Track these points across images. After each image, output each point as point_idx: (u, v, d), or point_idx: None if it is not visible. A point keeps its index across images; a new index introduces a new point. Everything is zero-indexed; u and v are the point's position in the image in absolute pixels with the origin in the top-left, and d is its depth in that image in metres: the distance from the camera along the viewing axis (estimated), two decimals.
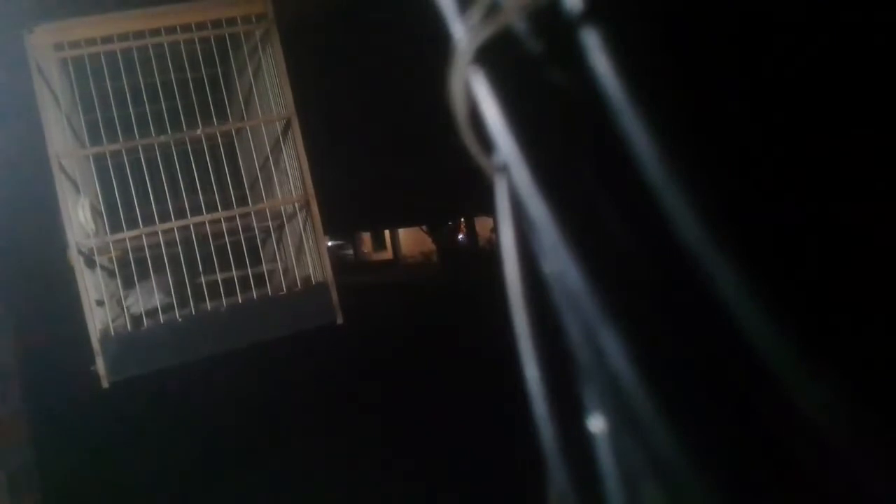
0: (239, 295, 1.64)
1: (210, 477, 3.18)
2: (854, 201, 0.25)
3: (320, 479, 3.07)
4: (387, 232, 19.56)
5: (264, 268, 1.80)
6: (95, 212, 1.67)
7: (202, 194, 1.68)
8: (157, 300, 1.64)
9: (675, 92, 0.26)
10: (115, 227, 1.61)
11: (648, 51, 0.26)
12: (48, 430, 2.62)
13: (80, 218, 1.59)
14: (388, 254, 19.93)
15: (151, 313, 1.61)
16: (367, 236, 21.17)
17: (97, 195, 1.73)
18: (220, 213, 1.64)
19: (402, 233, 19.08)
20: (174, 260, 1.64)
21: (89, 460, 3.14)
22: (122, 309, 1.65)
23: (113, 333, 1.54)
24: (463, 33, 0.29)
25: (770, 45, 0.25)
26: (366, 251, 21.36)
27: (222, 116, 1.76)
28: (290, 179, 1.73)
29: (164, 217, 1.61)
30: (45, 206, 1.53)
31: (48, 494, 2.51)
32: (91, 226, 1.61)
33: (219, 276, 1.65)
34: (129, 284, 1.72)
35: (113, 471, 3.14)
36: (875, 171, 0.25)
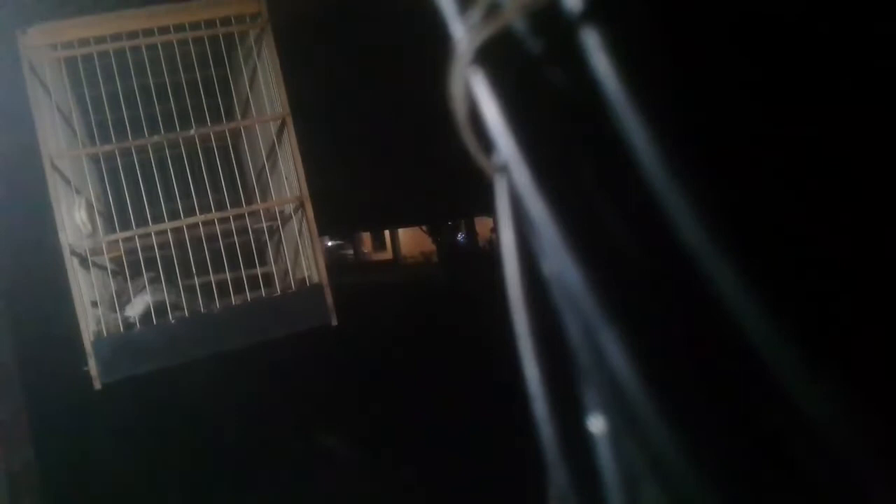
0: (233, 297, 1.63)
1: (208, 477, 3.18)
2: (855, 201, 0.25)
3: (318, 480, 3.07)
4: (387, 232, 19.56)
5: (258, 270, 1.79)
6: (92, 213, 1.66)
7: (197, 197, 1.68)
8: (150, 301, 1.63)
9: (674, 92, 0.26)
10: (111, 229, 1.61)
11: (648, 51, 0.26)
12: (48, 430, 2.62)
13: (76, 219, 1.59)
14: (388, 254, 19.93)
15: (144, 317, 1.61)
16: (367, 236, 21.17)
17: (92, 196, 1.73)
18: (214, 215, 1.63)
19: (402, 233, 19.07)
20: (169, 262, 1.63)
21: (89, 460, 3.14)
22: (117, 310, 1.65)
23: (106, 334, 1.53)
24: (463, 33, 0.29)
25: (770, 45, 0.25)
26: (366, 251, 21.36)
27: (217, 117, 1.75)
28: (285, 180, 1.73)
29: (159, 219, 1.61)
30: (43, 206, 1.53)
31: (48, 494, 2.51)
32: (88, 227, 1.61)
33: (212, 279, 1.64)
34: (123, 287, 1.71)
35: (113, 471, 3.14)
36: (876, 170, 0.25)
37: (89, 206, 1.65)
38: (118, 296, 1.68)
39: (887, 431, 0.22)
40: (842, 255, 0.24)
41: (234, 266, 1.69)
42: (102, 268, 1.73)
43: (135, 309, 1.61)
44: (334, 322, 1.64)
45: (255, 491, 3.12)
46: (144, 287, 1.65)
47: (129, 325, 1.57)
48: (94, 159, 1.78)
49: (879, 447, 0.22)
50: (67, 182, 1.61)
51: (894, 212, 0.24)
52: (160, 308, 1.59)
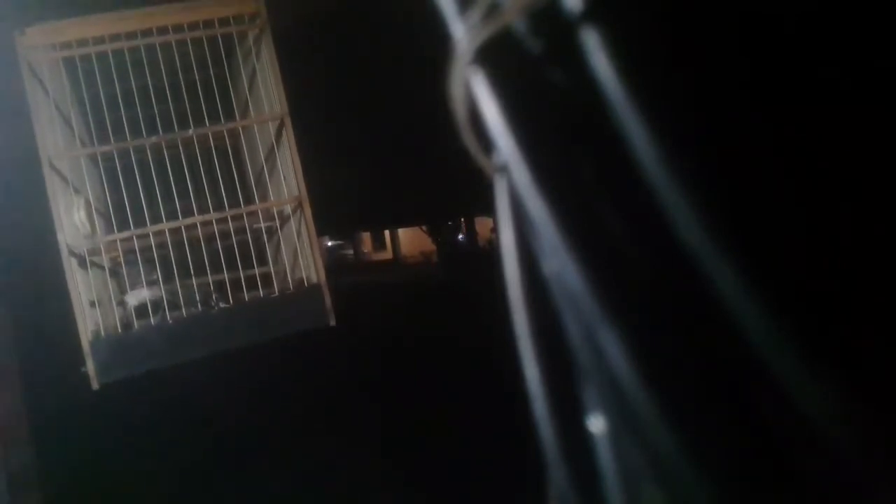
0: (231, 298, 1.63)
1: (207, 477, 3.18)
2: (855, 201, 0.25)
3: (318, 480, 3.07)
4: (387, 232, 19.56)
5: (257, 271, 1.78)
6: (91, 213, 1.66)
7: (196, 199, 1.67)
8: (147, 296, 1.63)
9: (675, 92, 0.26)
10: (110, 231, 1.61)
11: (648, 51, 0.26)
12: (48, 430, 2.62)
13: (74, 219, 1.59)
14: (388, 254, 19.93)
15: (140, 309, 1.61)
16: (367, 236, 21.17)
17: (91, 197, 1.73)
18: (213, 215, 1.63)
19: (402, 233, 19.07)
20: (167, 263, 1.63)
21: (90, 461, 3.14)
22: (115, 309, 1.65)
23: (104, 334, 1.53)
24: (463, 33, 0.29)
25: (771, 44, 0.25)
26: (366, 251, 21.35)
27: (216, 119, 1.75)
28: (283, 181, 1.72)
29: (158, 221, 1.61)
30: (42, 207, 1.53)
31: (48, 495, 2.51)
32: (86, 227, 1.61)
33: (210, 280, 1.64)
34: (122, 283, 1.71)
35: (113, 471, 3.14)
36: (876, 170, 0.25)
37: (88, 207, 1.65)
38: (116, 289, 1.68)
39: (887, 431, 0.22)
40: (842, 255, 0.24)
41: (232, 268, 1.68)
42: (101, 268, 1.72)
43: (133, 299, 1.61)
44: (332, 323, 1.64)
45: (255, 491, 3.11)
46: (142, 283, 1.65)
47: (126, 325, 1.57)
48: (94, 161, 1.78)
49: (879, 447, 0.22)
50: (66, 182, 1.61)
51: (894, 212, 0.24)
52: (157, 305, 1.58)
